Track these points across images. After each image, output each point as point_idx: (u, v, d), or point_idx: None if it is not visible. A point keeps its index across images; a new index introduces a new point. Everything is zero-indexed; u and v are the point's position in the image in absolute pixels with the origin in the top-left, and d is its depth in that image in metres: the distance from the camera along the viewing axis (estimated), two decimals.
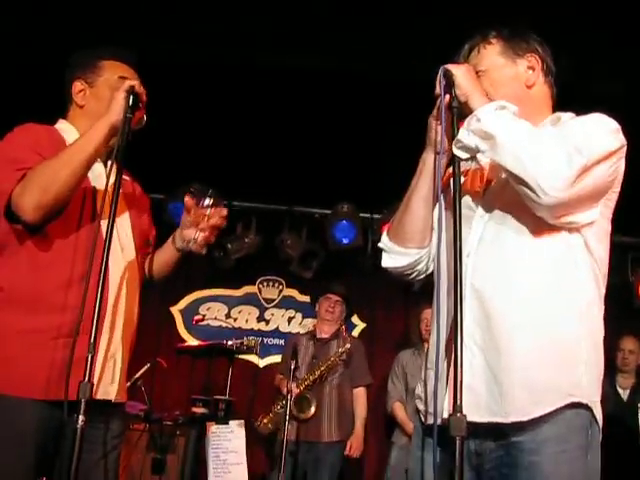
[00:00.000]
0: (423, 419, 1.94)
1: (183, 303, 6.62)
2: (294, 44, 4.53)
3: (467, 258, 1.83)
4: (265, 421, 5.24)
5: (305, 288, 6.37)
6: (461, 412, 1.56)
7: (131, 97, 2.14)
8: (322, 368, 5.17)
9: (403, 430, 5.40)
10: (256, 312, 6.68)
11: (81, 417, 1.81)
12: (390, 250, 2.14)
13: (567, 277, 1.84)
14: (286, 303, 6.71)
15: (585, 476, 1.75)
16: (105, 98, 2.28)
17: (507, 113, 1.81)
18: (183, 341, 6.05)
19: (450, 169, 1.83)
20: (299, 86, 4.78)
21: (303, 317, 6.56)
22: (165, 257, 2.54)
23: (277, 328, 6.62)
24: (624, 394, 5.56)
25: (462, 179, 1.84)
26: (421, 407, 1.96)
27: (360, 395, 5.39)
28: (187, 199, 2.39)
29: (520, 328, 1.79)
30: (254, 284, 6.75)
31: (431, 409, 1.80)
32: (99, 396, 2.12)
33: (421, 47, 4.21)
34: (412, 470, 1.97)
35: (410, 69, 4.12)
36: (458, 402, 1.56)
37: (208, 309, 6.63)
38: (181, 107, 4.58)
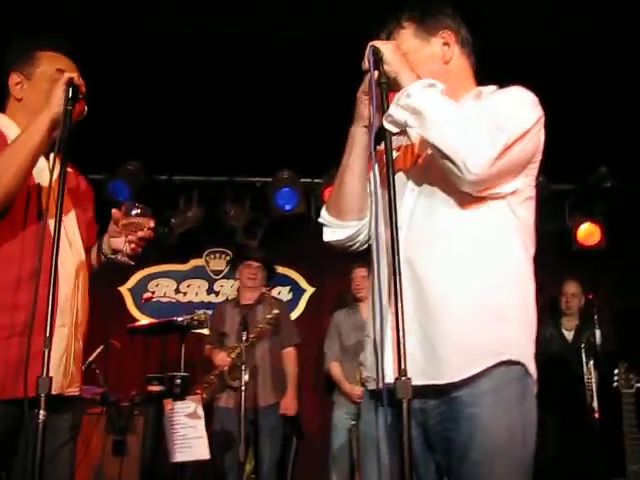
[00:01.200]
0: (369, 385, 2.01)
1: (132, 282, 6.58)
2: (229, 12, 4.48)
3: (400, 231, 1.88)
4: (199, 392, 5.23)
5: None
6: (406, 376, 1.62)
7: (70, 89, 2.10)
8: (252, 336, 5.14)
9: (339, 389, 5.52)
10: (205, 285, 6.70)
11: (42, 412, 1.82)
12: (330, 224, 2.18)
13: (494, 242, 1.91)
14: (235, 273, 6.67)
15: (522, 423, 1.85)
16: (43, 91, 2.25)
17: (435, 91, 1.85)
18: (134, 320, 6.04)
19: (382, 145, 1.87)
20: (231, 55, 4.75)
21: None
22: (94, 257, 2.52)
23: (227, 299, 6.61)
24: (569, 335, 5.81)
25: (395, 154, 1.88)
26: (365, 374, 2.03)
27: (290, 355, 5.47)
28: (114, 211, 2.35)
29: (449, 294, 1.86)
30: (201, 257, 6.75)
31: (375, 375, 1.88)
32: (54, 391, 2.11)
33: (353, 13, 4.22)
34: (363, 432, 2.05)
35: (345, 34, 4.12)
36: (402, 366, 1.63)
37: (157, 285, 6.61)
38: (115, 85, 4.51)
